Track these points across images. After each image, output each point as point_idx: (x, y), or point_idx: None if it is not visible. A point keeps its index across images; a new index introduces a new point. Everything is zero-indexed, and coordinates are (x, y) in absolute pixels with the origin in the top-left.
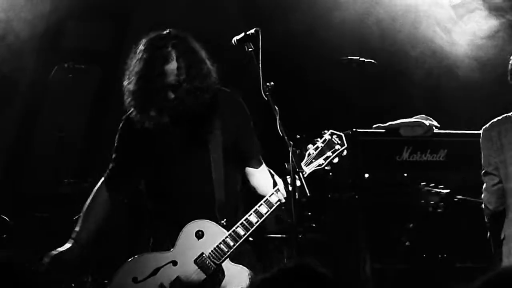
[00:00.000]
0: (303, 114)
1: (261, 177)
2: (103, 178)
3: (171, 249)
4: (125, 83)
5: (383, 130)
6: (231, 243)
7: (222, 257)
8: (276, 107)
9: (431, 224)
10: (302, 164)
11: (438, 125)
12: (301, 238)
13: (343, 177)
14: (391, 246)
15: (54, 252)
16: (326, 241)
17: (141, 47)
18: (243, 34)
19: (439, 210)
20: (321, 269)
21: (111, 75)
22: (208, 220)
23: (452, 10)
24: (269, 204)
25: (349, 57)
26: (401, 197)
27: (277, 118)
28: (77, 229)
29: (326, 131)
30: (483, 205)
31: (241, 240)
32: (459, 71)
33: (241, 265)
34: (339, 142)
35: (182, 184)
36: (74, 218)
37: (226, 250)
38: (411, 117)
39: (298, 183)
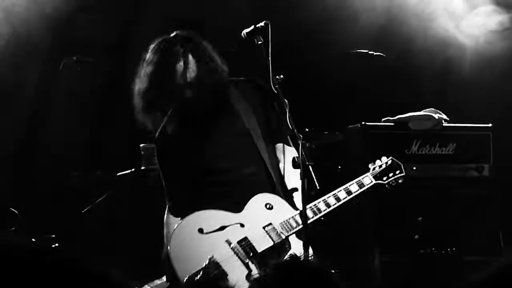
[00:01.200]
0: (312, 108)
1: None
2: (168, 210)
3: (239, 212)
4: (137, 87)
5: (392, 124)
6: (300, 221)
7: (291, 230)
8: (285, 100)
9: (440, 218)
10: (369, 175)
11: (448, 119)
12: (310, 231)
13: (352, 170)
14: (400, 239)
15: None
16: (335, 234)
17: (150, 51)
18: (252, 27)
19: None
20: (317, 264)
21: (119, 68)
22: (278, 196)
23: (463, 2)
24: (337, 199)
25: (357, 50)
26: (410, 190)
27: (287, 111)
28: None
29: (385, 157)
30: None
31: (309, 222)
32: (469, 64)
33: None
34: (399, 169)
35: (238, 170)
36: (82, 211)
37: (295, 225)
38: (420, 110)
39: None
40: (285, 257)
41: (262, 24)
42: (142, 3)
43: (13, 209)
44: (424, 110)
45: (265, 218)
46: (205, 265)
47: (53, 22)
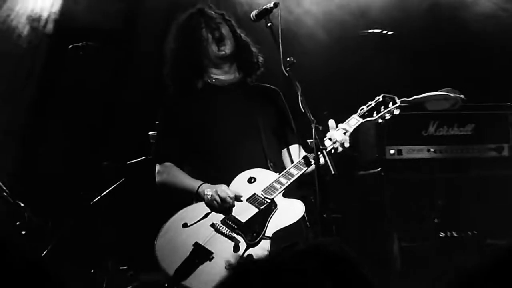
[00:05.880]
0: (325, 91)
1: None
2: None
3: None
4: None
5: (408, 105)
6: (284, 181)
7: (275, 192)
8: (297, 83)
9: (461, 200)
10: (355, 115)
11: (465, 98)
12: (325, 217)
13: (369, 154)
14: (419, 223)
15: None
16: (351, 221)
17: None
18: (262, 8)
19: None
20: (341, 248)
21: (125, 54)
22: (260, 168)
23: None
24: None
25: (370, 30)
26: (428, 173)
27: (299, 94)
28: (191, 182)
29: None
30: None
31: (293, 178)
32: (487, 40)
33: (295, 199)
34: (392, 101)
35: (233, 145)
36: (91, 202)
37: (279, 186)
38: (437, 90)
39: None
40: (271, 217)
41: (271, 5)
42: None
43: (18, 202)
44: (440, 90)
45: (248, 191)
46: (190, 253)
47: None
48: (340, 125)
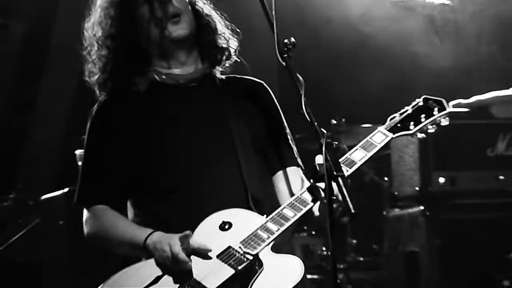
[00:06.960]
0: (339, 89)
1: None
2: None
3: None
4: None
5: (467, 109)
6: (274, 228)
7: (260, 245)
8: (299, 76)
9: None
10: (382, 128)
11: None
12: (342, 279)
13: (407, 184)
14: (478, 284)
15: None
16: (381, 282)
17: None
18: None
19: None
20: None
21: (39, 38)
22: (236, 209)
23: None
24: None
25: None
26: (495, 212)
27: (302, 93)
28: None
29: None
30: None
31: (288, 224)
32: None
33: (289, 254)
34: (438, 106)
35: (197, 173)
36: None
37: (266, 236)
38: (508, 87)
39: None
40: (254, 282)
41: None
42: None
43: None
44: None
45: (220, 243)
46: None
47: None
48: (363, 142)
